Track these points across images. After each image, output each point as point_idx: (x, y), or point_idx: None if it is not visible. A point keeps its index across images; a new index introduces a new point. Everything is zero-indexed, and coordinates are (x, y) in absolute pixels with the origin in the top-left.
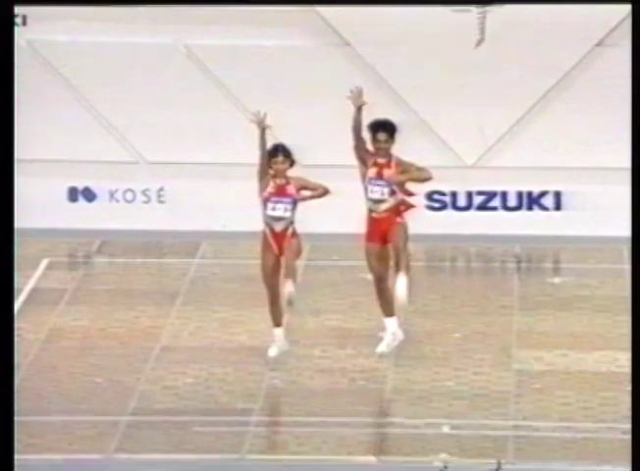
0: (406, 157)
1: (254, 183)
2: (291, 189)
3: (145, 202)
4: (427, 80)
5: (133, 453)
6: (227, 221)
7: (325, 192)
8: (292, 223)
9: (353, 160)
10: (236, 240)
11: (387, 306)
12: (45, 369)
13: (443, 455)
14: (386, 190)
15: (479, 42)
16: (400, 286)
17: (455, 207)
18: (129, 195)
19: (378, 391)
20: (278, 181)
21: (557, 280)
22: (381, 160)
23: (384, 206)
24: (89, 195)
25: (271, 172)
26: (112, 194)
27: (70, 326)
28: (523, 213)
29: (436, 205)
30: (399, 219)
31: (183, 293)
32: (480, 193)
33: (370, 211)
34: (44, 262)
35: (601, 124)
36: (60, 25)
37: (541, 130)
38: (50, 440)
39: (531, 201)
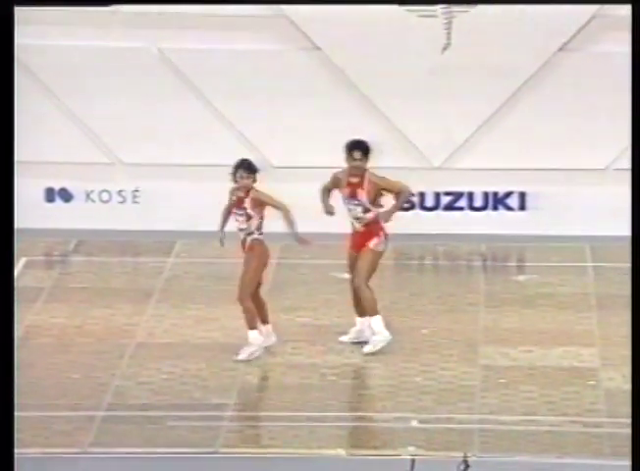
0: (377, 159)
1: (226, 184)
2: (246, 203)
3: (121, 203)
4: (395, 84)
5: (108, 448)
6: (201, 221)
7: (287, 211)
8: (249, 234)
9: (322, 162)
10: (209, 240)
11: (362, 308)
12: (22, 365)
13: (411, 448)
14: (359, 209)
15: (446, 47)
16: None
17: (423, 207)
18: (104, 196)
19: (348, 386)
20: (238, 193)
21: (521, 277)
22: (354, 180)
23: (361, 223)
24: (66, 196)
25: (234, 185)
26: (88, 195)
27: (47, 323)
28: (489, 213)
29: (404, 205)
30: (372, 245)
31: (157, 291)
32: (447, 194)
33: (352, 223)
34: (22, 261)
35: (565, 126)
36: (36, 28)
37: (506, 132)
38: (27, 434)
39: (496, 201)
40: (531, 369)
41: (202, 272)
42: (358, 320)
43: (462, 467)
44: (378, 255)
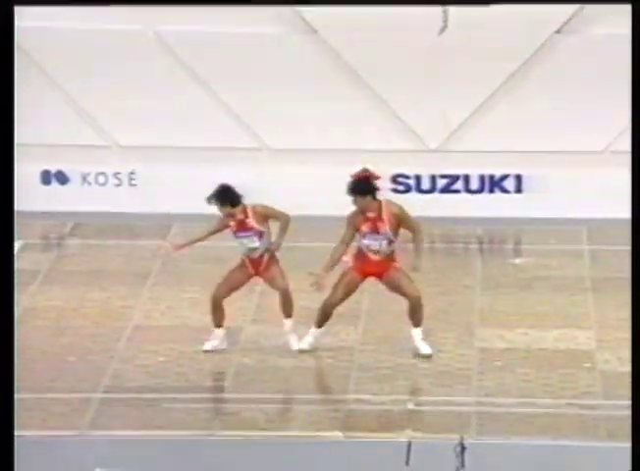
0: (374, 142)
1: (223, 167)
2: (251, 223)
3: (117, 185)
4: (392, 67)
5: (105, 430)
6: (197, 204)
7: (287, 221)
8: (267, 250)
9: (321, 144)
10: (205, 223)
11: (322, 320)
12: (19, 348)
13: (408, 431)
14: (384, 242)
15: (442, 30)
16: (419, 342)
17: (419, 190)
18: (101, 178)
19: (345, 369)
20: (238, 217)
21: (517, 260)
22: (371, 214)
23: (380, 255)
24: (62, 178)
25: (222, 215)
26: (84, 178)
27: (43, 306)
28: (485, 196)
29: (400, 188)
30: (395, 264)
31: (154, 274)
32: (443, 176)
33: (364, 253)
34: (18, 244)
35: (561, 108)
36: (32, 11)
37: (502, 114)
38: (24, 417)
39: (493, 184)
40: (527, 352)
41: (198, 254)
42: (414, 331)
43: (459, 449)
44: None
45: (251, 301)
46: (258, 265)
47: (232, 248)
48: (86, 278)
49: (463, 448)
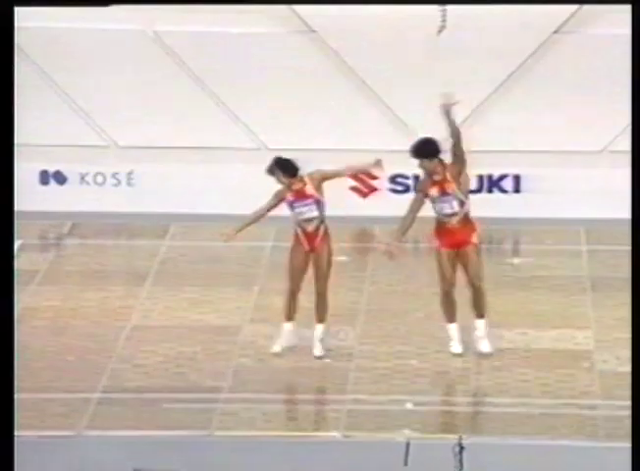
0: (373, 142)
1: (221, 166)
2: (309, 190)
3: (115, 185)
4: (391, 66)
5: (103, 430)
6: (196, 204)
7: (350, 168)
8: (322, 222)
9: (319, 144)
10: (204, 223)
11: (450, 313)
12: (17, 348)
13: (406, 431)
14: (455, 203)
15: (441, 29)
16: (480, 332)
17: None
18: (99, 178)
19: (343, 369)
20: (294, 186)
21: (516, 260)
22: (437, 177)
23: (456, 218)
24: (60, 178)
25: (281, 187)
26: (83, 177)
27: (42, 306)
28: (484, 195)
29: (399, 188)
30: (474, 239)
31: (152, 274)
32: None
33: (443, 223)
34: (17, 244)
35: (559, 109)
36: (31, 11)
37: (501, 115)
38: (22, 417)
39: (491, 184)
40: (526, 351)
41: (197, 254)
42: (478, 322)
43: (457, 449)
44: (480, 248)
45: (249, 301)
46: (314, 239)
47: (231, 248)
48: (85, 278)
49: (462, 448)
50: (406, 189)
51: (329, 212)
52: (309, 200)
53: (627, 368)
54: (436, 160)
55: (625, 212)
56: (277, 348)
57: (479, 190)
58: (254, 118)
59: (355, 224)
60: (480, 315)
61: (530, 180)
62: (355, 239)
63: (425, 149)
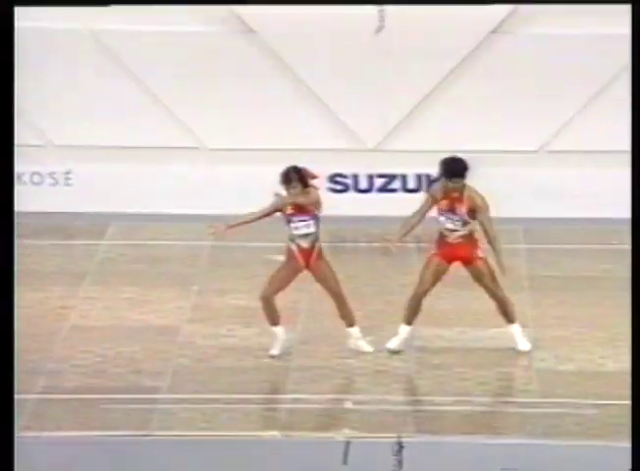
0: (312, 141)
1: (160, 166)
2: (309, 206)
3: (53, 185)
4: (330, 66)
5: (41, 431)
6: (135, 203)
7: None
8: (317, 239)
9: (258, 144)
10: (143, 222)
11: (411, 314)
12: None
13: (346, 430)
14: (458, 223)
15: (379, 29)
16: (520, 338)
17: (357, 189)
18: (36, 178)
19: (283, 368)
20: (295, 200)
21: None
22: (454, 194)
23: (457, 234)
24: None
25: (287, 195)
26: (19, 177)
27: None
28: (422, 195)
29: (338, 187)
30: (480, 254)
31: (91, 274)
32: (381, 176)
33: (444, 235)
34: None
35: (498, 108)
36: None
37: (439, 114)
38: None
39: (430, 183)
40: (465, 350)
41: (136, 254)
42: (511, 327)
43: (397, 448)
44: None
45: (189, 301)
46: (309, 256)
47: (170, 247)
48: (22, 278)
49: (401, 447)
50: (345, 189)
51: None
52: (308, 216)
53: (565, 366)
54: (463, 180)
55: (563, 211)
56: (275, 352)
57: (418, 190)
58: (193, 117)
59: None
60: (511, 321)
61: (467, 179)
62: None
63: (465, 168)
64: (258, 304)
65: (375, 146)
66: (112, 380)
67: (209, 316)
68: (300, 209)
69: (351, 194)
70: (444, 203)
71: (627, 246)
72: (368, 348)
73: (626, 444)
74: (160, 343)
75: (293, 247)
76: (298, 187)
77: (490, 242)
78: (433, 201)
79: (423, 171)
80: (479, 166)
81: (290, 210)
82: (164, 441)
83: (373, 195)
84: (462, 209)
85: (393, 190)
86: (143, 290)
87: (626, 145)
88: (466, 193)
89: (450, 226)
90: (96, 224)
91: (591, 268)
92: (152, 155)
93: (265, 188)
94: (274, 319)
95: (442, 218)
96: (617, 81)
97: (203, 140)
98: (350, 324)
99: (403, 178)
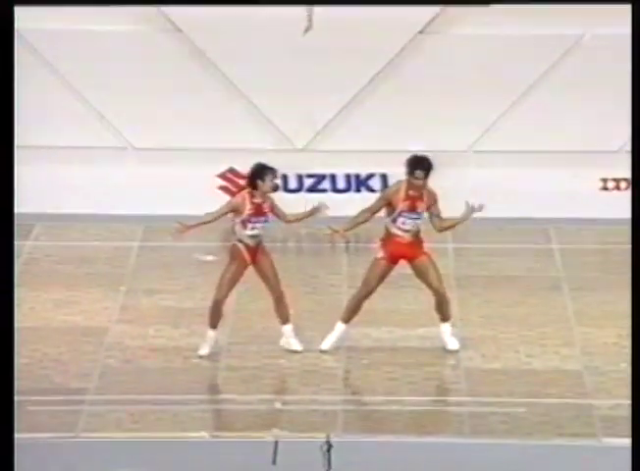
0: (241, 141)
1: (86, 166)
2: (266, 208)
3: None
4: (257, 66)
5: None
6: (61, 203)
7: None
8: (260, 241)
9: (186, 143)
10: (69, 223)
11: (350, 313)
12: None
13: (274, 430)
14: (419, 222)
15: (307, 29)
16: (448, 338)
17: (286, 189)
18: None
19: (211, 369)
20: (256, 200)
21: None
22: (414, 193)
23: (409, 234)
24: None
25: (253, 192)
26: None
27: None
28: (352, 195)
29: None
30: (425, 250)
31: (16, 275)
32: (310, 176)
33: (394, 235)
34: None
35: (426, 108)
36: None
37: (368, 114)
38: None
39: (359, 183)
40: (393, 350)
41: (62, 255)
42: (443, 326)
43: (325, 448)
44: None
45: (116, 301)
46: (255, 253)
47: (97, 248)
48: None
49: (330, 447)
50: (275, 189)
51: (196, 212)
52: (262, 217)
53: (492, 365)
54: (427, 178)
55: (489, 211)
56: (204, 352)
57: (347, 190)
58: (120, 117)
59: (223, 223)
60: (446, 319)
61: (395, 179)
62: (223, 239)
63: (430, 164)
64: (187, 305)
65: (304, 146)
66: (38, 381)
67: (137, 317)
68: (259, 210)
69: (281, 194)
70: (405, 204)
71: (553, 245)
72: (297, 347)
73: (553, 441)
74: (87, 344)
75: (240, 246)
76: (269, 187)
77: (449, 226)
78: (385, 203)
79: (352, 171)
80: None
81: (250, 210)
82: (91, 442)
83: (302, 195)
84: (423, 206)
85: (322, 190)
86: (70, 291)
87: (551, 146)
88: (425, 191)
89: (409, 226)
90: (21, 224)
91: (517, 267)
92: (78, 155)
93: (191, 188)
94: (215, 322)
95: (401, 219)
96: (543, 82)
97: (130, 140)
98: (285, 321)
99: (333, 178)
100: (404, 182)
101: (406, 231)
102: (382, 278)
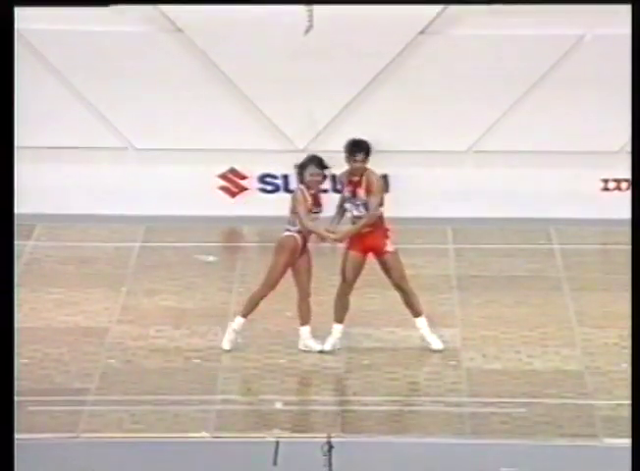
0: (242, 142)
1: (87, 166)
2: (321, 199)
3: None
4: (259, 66)
5: None
6: (62, 204)
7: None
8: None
9: (187, 144)
10: (70, 223)
11: (341, 312)
12: None
13: (275, 431)
14: (362, 208)
15: (308, 29)
16: (424, 330)
17: (287, 190)
18: None
19: (212, 369)
20: (313, 191)
21: None
22: (355, 178)
23: (362, 223)
24: None
25: (307, 184)
26: None
27: None
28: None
29: (268, 188)
30: (389, 248)
31: (17, 275)
32: None
33: (353, 224)
34: None
35: (426, 108)
36: None
37: (368, 115)
38: None
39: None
40: (394, 350)
41: (63, 255)
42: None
43: (326, 449)
44: (397, 254)
45: (117, 302)
46: (303, 247)
47: (98, 248)
48: None
49: (331, 447)
50: (276, 189)
51: (197, 212)
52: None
53: (493, 365)
54: (366, 161)
55: (490, 211)
56: (227, 346)
57: None
58: (120, 117)
59: (224, 223)
60: (417, 314)
61: (397, 179)
62: (224, 239)
63: (368, 146)
64: (187, 306)
65: (305, 147)
66: (39, 382)
67: (138, 317)
68: (317, 200)
69: (282, 195)
70: (347, 190)
71: (554, 246)
72: (318, 347)
73: (554, 442)
74: (88, 345)
75: (298, 237)
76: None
77: (355, 228)
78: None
79: None
80: (408, 166)
81: (310, 202)
82: (92, 443)
83: None
84: (362, 192)
85: (323, 191)
86: (71, 291)
87: (552, 146)
88: (365, 177)
89: (354, 213)
90: (22, 224)
91: (518, 268)
92: (79, 155)
93: (192, 189)
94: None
95: (347, 205)
96: (544, 82)
97: (131, 141)
98: (304, 323)
99: (333, 177)
100: (348, 169)
101: (356, 217)
102: (357, 269)
